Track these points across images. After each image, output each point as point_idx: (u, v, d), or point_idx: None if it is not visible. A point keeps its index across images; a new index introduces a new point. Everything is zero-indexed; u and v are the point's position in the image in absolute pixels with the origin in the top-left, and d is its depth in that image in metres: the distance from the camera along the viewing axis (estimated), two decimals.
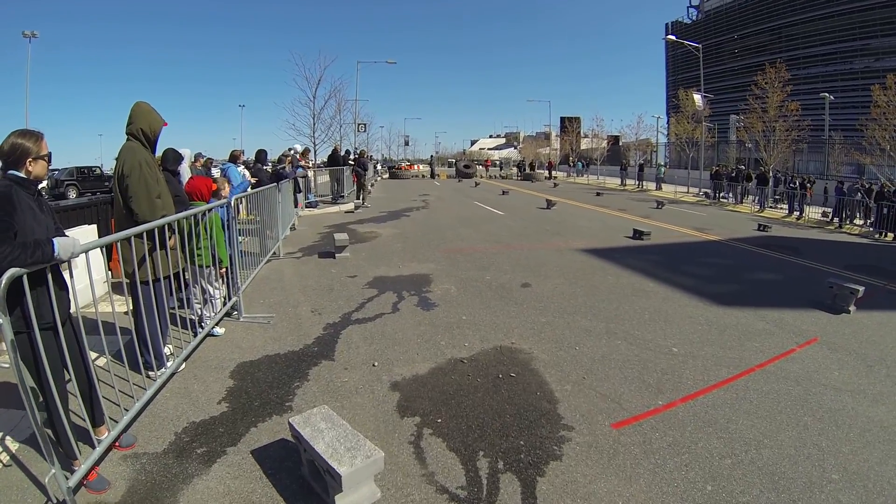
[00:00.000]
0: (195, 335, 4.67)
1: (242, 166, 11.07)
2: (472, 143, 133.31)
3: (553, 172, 45.81)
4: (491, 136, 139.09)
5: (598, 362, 5.06)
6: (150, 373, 3.91)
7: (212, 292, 5.26)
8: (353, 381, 4.49)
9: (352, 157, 22.30)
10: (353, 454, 2.81)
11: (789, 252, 11.90)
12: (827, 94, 33.08)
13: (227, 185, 5.93)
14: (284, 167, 11.47)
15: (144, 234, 3.64)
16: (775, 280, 9.06)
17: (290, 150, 12.06)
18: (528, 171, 42.80)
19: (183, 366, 4.49)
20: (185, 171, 10.11)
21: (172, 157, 5.86)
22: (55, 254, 2.50)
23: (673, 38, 33.12)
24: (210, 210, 4.97)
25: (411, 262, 9.25)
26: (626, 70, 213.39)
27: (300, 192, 12.56)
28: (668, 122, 56.61)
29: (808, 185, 21.37)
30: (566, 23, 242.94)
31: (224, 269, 5.47)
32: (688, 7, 76.99)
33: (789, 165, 28.93)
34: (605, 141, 52.69)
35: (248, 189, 8.56)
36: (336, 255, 9.27)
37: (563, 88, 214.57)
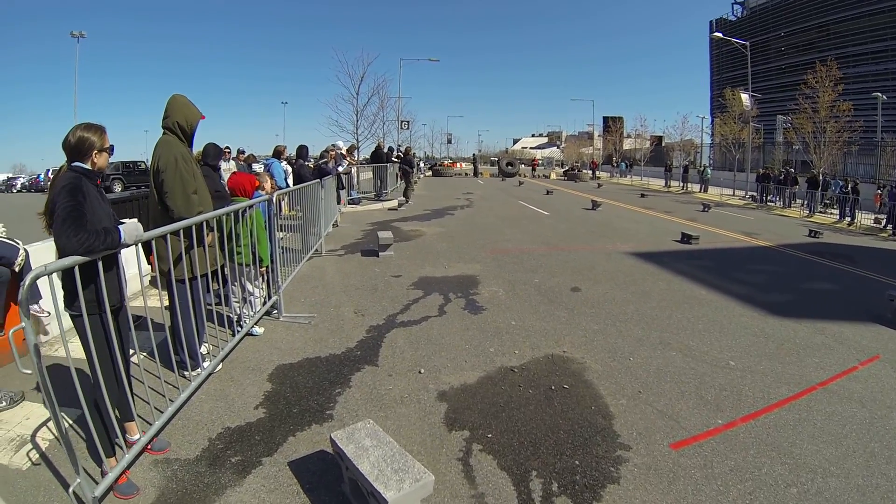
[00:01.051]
0: (234, 335, 4.48)
1: (285, 162, 11.00)
2: (515, 141, 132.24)
3: (597, 173, 44.47)
4: (533, 136, 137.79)
5: (654, 375, 4.68)
6: (184, 373, 3.73)
7: (251, 290, 5.08)
8: (398, 389, 4.20)
9: (395, 153, 22.18)
10: (401, 477, 2.51)
11: (843, 260, 11.21)
12: (880, 94, 31.00)
13: (269, 180, 5.74)
14: (328, 162, 11.34)
15: (181, 232, 3.44)
16: (831, 290, 8.44)
17: (332, 146, 11.94)
18: (572, 171, 41.72)
19: (220, 367, 4.31)
20: (226, 170, 10.19)
21: (213, 152, 5.73)
22: (121, 240, 2.64)
23: (720, 35, 31.72)
24: (251, 207, 4.78)
25: (457, 262, 8.95)
26: (669, 70, 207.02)
27: (343, 188, 12.44)
28: (712, 123, 54.80)
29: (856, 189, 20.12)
30: (608, 22, 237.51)
31: (265, 269, 5.27)
32: (732, 4, 73.97)
33: (838, 168, 27.27)
34: (648, 141, 51.36)
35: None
36: (380, 253, 9.05)
37: (605, 89, 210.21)
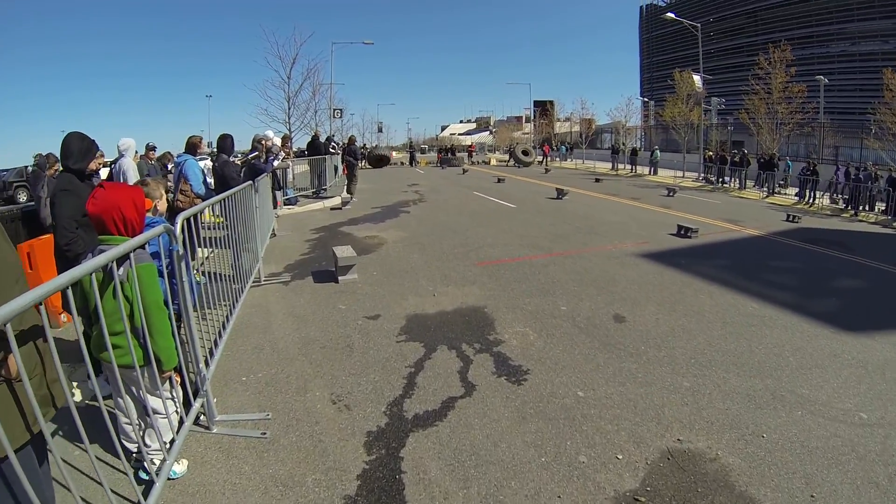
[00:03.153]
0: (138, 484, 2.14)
1: (208, 159, 8.44)
2: (443, 128, 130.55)
3: (547, 159, 41.89)
4: (461, 122, 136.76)
5: (806, 458, 3.28)
6: None
7: (155, 406, 2.70)
8: None
9: (332, 144, 19.55)
10: None
11: (840, 248, 10.50)
12: (822, 77, 31.34)
13: (164, 194, 3.35)
14: (260, 157, 8.81)
15: None
16: (868, 289, 7.56)
17: (262, 136, 9.32)
18: (521, 156, 39.17)
19: None
20: (130, 170, 7.47)
21: (78, 148, 3.31)
22: None
23: (672, 15, 30.72)
24: (132, 254, 2.38)
25: (445, 284, 6.78)
26: (597, 53, 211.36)
27: (279, 188, 9.91)
28: (642, 105, 55.21)
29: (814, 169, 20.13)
30: (537, 6, 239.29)
31: (169, 373, 2.82)
32: None
33: (780, 149, 27.29)
34: (580, 125, 51.02)
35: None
36: (340, 278, 6.74)
37: (534, 72, 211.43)
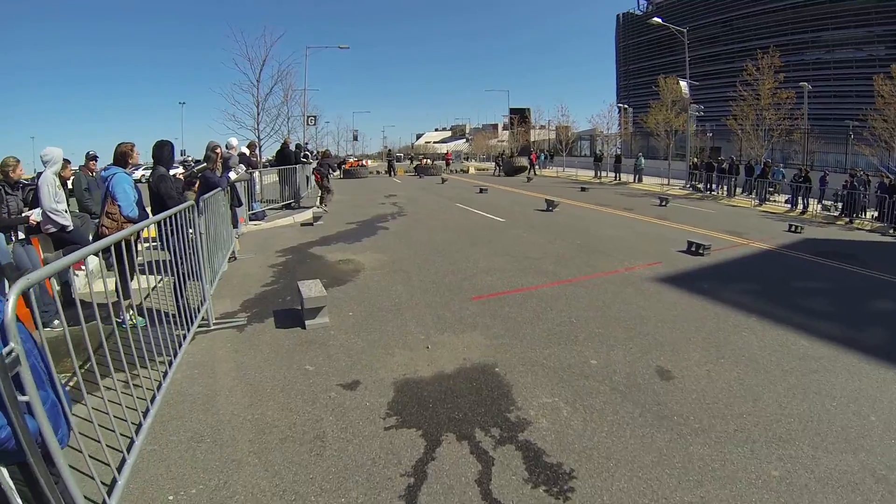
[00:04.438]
0: None
1: (142, 168, 7.10)
2: (418, 136, 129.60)
3: (535, 167, 38.51)
4: (437, 130, 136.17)
5: None
6: None
7: None
8: None
9: (304, 153, 18.10)
10: None
11: (855, 262, 9.94)
12: (806, 84, 31.01)
13: None
14: (213, 168, 7.42)
15: None
16: None
17: (216, 146, 7.80)
18: (515, 161, 37.13)
19: None
20: (45, 186, 5.99)
21: None
22: None
23: (659, 20, 30.07)
24: None
25: (440, 329, 5.50)
26: (575, 63, 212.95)
27: (240, 205, 8.50)
28: (619, 112, 54.91)
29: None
30: (513, 15, 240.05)
31: None
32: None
33: (763, 157, 26.88)
34: (559, 132, 50.39)
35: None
36: (307, 322, 5.41)
37: (510, 81, 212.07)
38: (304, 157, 17.31)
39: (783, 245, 11.41)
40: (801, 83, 27.29)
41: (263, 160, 17.47)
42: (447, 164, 41.48)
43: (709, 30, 61.83)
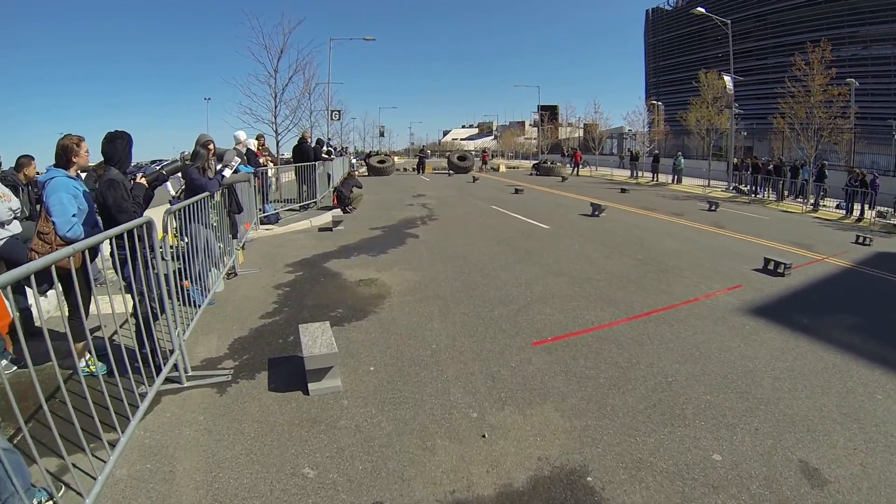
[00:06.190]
0: None
1: (85, 172, 5.82)
2: (445, 133, 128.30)
3: (579, 167, 36.02)
4: (463, 126, 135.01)
5: None
6: None
7: None
8: None
9: (325, 149, 16.69)
10: None
11: None
12: (853, 80, 28.53)
13: None
14: (205, 168, 5.98)
15: None
16: None
17: (209, 138, 6.24)
18: (544, 164, 34.95)
19: None
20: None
21: None
22: None
23: (702, 10, 27.86)
24: None
25: (497, 399, 3.93)
26: (603, 59, 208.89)
27: (240, 211, 7.06)
28: (648, 109, 52.48)
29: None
30: (540, 12, 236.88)
31: None
32: None
33: (812, 158, 24.71)
34: (589, 129, 48.48)
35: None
36: (311, 386, 3.91)
37: (539, 77, 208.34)
38: (325, 154, 15.88)
39: (859, 261, 9.89)
40: (847, 79, 24.77)
41: (281, 156, 16.13)
42: (484, 163, 39.70)
43: (741, 25, 59.47)
